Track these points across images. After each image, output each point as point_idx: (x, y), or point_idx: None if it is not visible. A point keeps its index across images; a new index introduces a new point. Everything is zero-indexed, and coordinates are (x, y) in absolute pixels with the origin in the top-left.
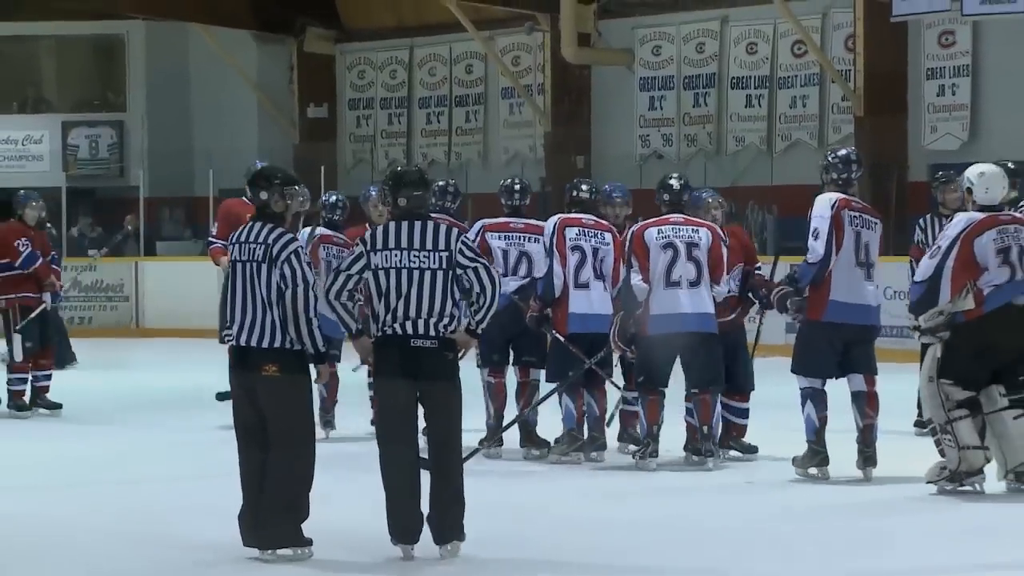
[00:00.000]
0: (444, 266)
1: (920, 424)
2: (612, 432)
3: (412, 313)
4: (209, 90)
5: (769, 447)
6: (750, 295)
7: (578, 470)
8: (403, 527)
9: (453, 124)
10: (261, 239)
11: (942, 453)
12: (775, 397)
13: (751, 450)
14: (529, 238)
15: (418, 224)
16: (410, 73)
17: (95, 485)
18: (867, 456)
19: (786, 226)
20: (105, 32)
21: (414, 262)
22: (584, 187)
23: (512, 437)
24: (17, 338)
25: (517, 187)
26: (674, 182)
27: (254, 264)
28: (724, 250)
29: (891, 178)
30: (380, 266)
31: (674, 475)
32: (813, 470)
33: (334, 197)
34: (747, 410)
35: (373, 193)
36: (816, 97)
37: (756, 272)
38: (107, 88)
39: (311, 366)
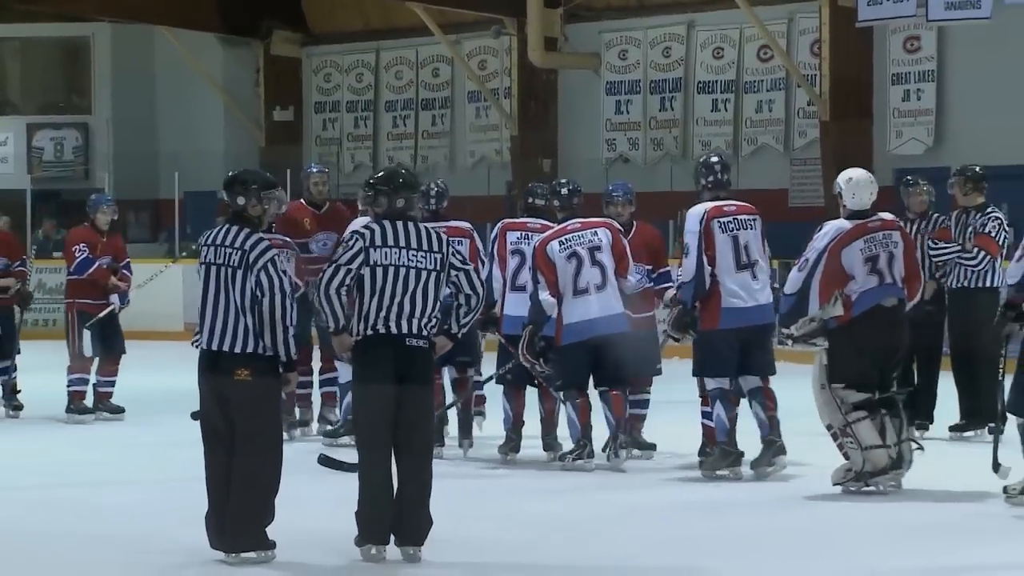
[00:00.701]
0: (438, 268)
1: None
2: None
3: (406, 312)
4: (175, 93)
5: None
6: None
7: (552, 472)
8: (377, 528)
9: (419, 128)
10: (237, 244)
11: (846, 456)
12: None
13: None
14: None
15: (412, 225)
16: (376, 76)
17: (61, 488)
18: (778, 446)
19: None
20: (71, 34)
21: (412, 261)
22: (539, 192)
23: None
24: (86, 335)
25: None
26: (563, 189)
27: (229, 269)
28: (625, 243)
29: None
30: (379, 263)
31: (662, 475)
32: (724, 471)
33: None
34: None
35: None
36: (782, 102)
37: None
38: (72, 90)
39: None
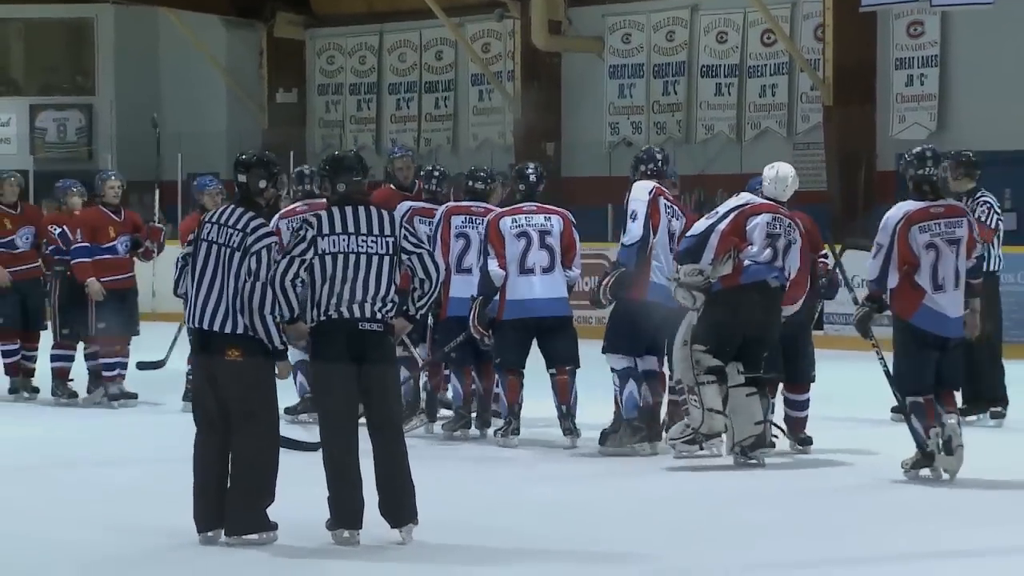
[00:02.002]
0: (390, 251)
1: (897, 410)
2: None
3: (358, 297)
4: (178, 74)
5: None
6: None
7: (548, 456)
8: (349, 512)
9: (423, 110)
10: (240, 226)
11: (687, 412)
12: None
13: (806, 442)
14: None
15: (361, 209)
16: (380, 59)
17: (51, 469)
18: (656, 431)
19: None
20: (74, 15)
21: (361, 247)
22: (480, 176)
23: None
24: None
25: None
26: (531, 174)
27: (228, 249)
28: (575, 236)
29: (859, 167)
30: (327, 251)
31: (657, 462)
32: (635, 447)
33: None
34: (807, 402)
35: (210, 184)
36: (785, 86)
37: (821, 260)
38: (76, 71)
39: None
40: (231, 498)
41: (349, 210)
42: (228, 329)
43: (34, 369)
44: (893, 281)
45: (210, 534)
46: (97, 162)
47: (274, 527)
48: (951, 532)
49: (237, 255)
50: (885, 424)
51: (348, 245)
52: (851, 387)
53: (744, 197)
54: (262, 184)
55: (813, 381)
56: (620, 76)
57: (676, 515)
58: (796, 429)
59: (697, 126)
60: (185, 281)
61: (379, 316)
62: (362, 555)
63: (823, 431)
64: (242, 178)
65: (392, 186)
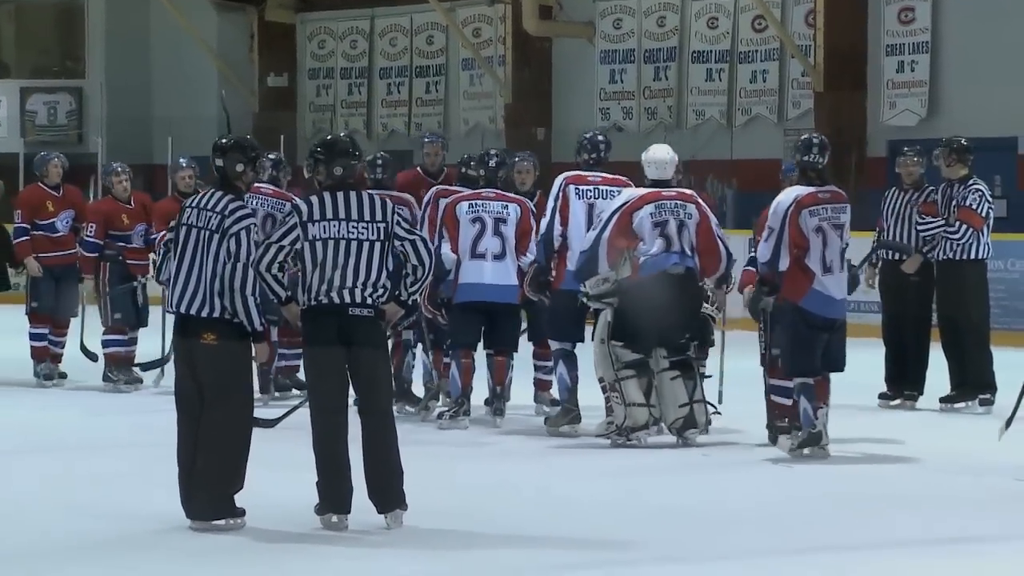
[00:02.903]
0: (381, 237)
1: (885, 397)
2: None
3: (349, 283)
4: (169, 58)
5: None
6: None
7: (535, 444)
8: (337, 497)
9: (413, 95)
10: (219, 208)
11: (610, 410)
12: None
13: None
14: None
15: (353, 195)
16: (371, 43)
17: (37, 453)
18: (575, 414)
19: (745, 200)
20: None
21: (352, 233)
22: (471, 163)
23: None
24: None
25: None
26: (491, 161)
27: (207, 232)
28: (533, 223)
29: (850, 153)
30: (318, 237)
31: (647, 453)
32: (566, 428)
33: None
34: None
35: (182, 165)
36: (776, 72)
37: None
38: (66, 54)
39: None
40: (197, 482)
41: (340, 195)
42: (205, 313)
43: (62, 355)
44: (783, 264)
45: (190, 522)
46: (87, 145)
47: (241, 513)
48: (941, 520)
49: (216, 237)
50: (872, 411)
51: (339, 231)
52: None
53: (624, 196)
54: (239, 168)
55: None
56: (611, 61)
57: (660, 502)
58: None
59: (688, 112)
60: (168, 266)
61: (369, 301)
62: (350, 540)
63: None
64: (219, 162)
65: (420, 169)
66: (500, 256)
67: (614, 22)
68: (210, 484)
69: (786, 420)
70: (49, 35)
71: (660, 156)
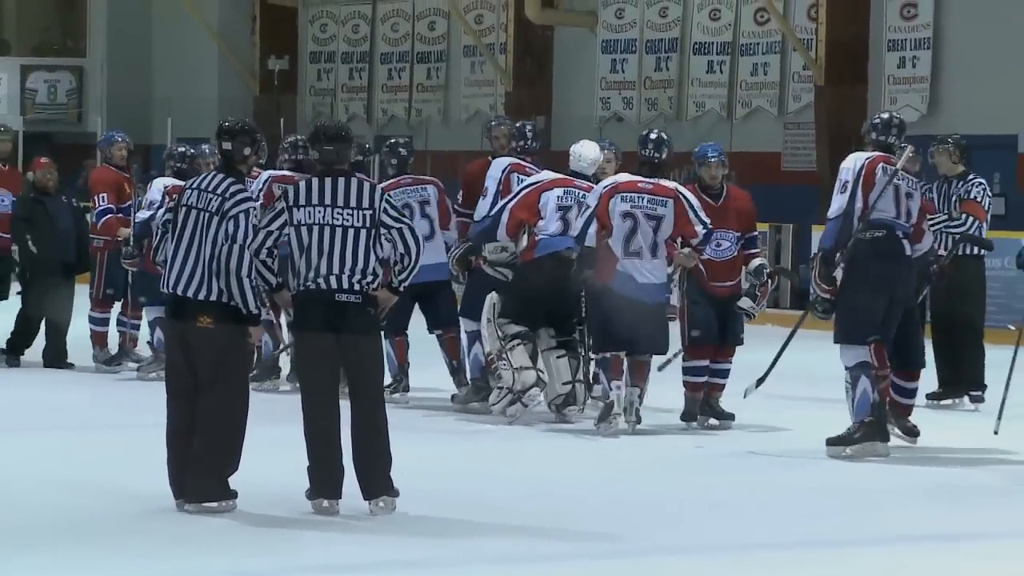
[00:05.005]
0: (367, 224)
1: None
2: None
3: (335, 269)
4: (170, 38)
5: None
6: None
7: (535, 433)
8: (327, 481)
9: (414, 81)
10: (220, 191)
11: (499, 378)
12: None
13: (913, 432)
14: None
15: (341, 180)
16: (372, 28)
17: (26, 432)
18: (486, 393)
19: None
20: None
21: (337, 219)
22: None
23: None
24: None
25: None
26: (402, 149)
27: (207, 214)
28: (448, 203)
29: (849, 148)
30: (303, 222)
31: (640, 443)
32: (475, 404)
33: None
34: (915, 390)
35: (118, 138)
36: (777, 65)
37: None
38: (67, 33)
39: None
40: (193, 464)
41: (328, 181)
42: (202, 295)
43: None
44: (592, 241)
45: (179, 503)
46: (87, 124)
47: (234, 495)
48: (935, 514)
49: (215, 219)
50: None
51: (324, 217)
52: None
53: (540, 175)
54: (247, 152)
55: (923, 367)
56: (612, 51)
57: (652, 493)
58: (902, 414)
59: (688, 103)
60: (165, 247)
61: (357, 288)
62: (340, 525)
63: (794, 411)
64: (227, 145)
65: (490, 157)
66: (429, 237)
67: (616, 11)
68: (207, 468)
69: (909, 419)
70: (50, 13)
71: (586, 152)
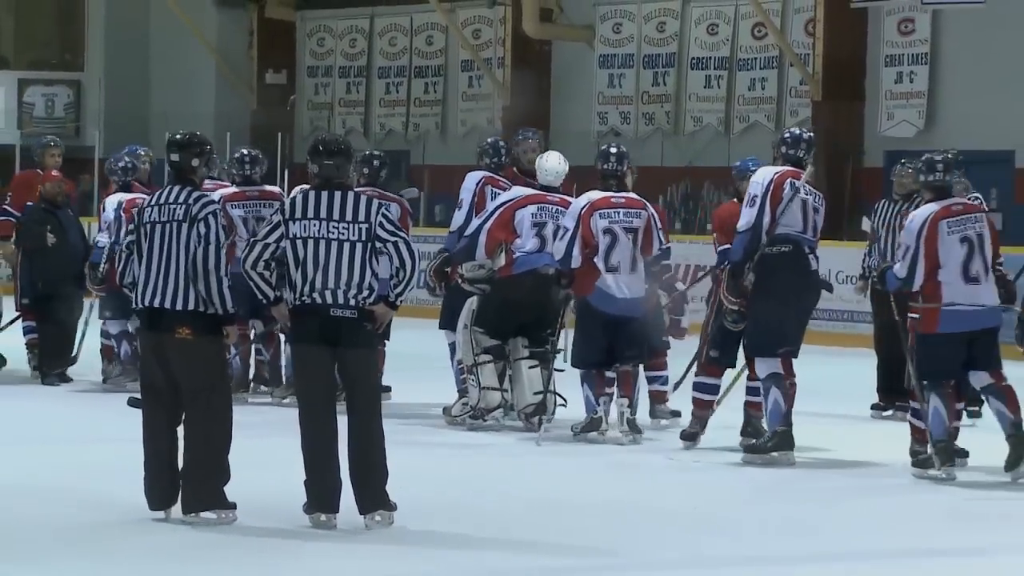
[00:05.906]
0: (363, 238)
1: (877, 407)
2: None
3: (331, 283)
4: (168, 53)
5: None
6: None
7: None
8: (324, 495)
9: (412, 95)
10: (182, 200)
11: (465, 391)
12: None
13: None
14: None
15: (338, 194)
16: (370, 42)
17: (18, 444)
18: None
19: None
20: None
21: (333, 233)
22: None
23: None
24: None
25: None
26: (376, 161)
27: (173, 224)
28: (409, 220)
29: (847, 163)
30: (298, 235)
31: (639, 456)
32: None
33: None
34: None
35: (52, 142)
36: (775, 80)
37: (998, 268)
38: (65, 47)
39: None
40: (185, 476)
41: (324, 195)
42: (179, 306)
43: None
44: (577, 262)
45: (162, 514)
46: (84, 138)
47: (233, 506)
48: (935, 530)
49: (184, 226)
50: (864, 421)
51: (320, 230)
52: (834, 383)
53: (512, 192)
54: (195, 163)
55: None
56: (610, 66)
57: (650, 506)
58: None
59: (686, 118)
60: (131, 270)
61: (352, 302)
62: (338, 539)
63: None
64: (175, 157)
65: (516, 170)
66: None
67: (614, 26)
68: (198, 479)
69: (926, 445)
70: (48, 27)
71: (551, 165)
